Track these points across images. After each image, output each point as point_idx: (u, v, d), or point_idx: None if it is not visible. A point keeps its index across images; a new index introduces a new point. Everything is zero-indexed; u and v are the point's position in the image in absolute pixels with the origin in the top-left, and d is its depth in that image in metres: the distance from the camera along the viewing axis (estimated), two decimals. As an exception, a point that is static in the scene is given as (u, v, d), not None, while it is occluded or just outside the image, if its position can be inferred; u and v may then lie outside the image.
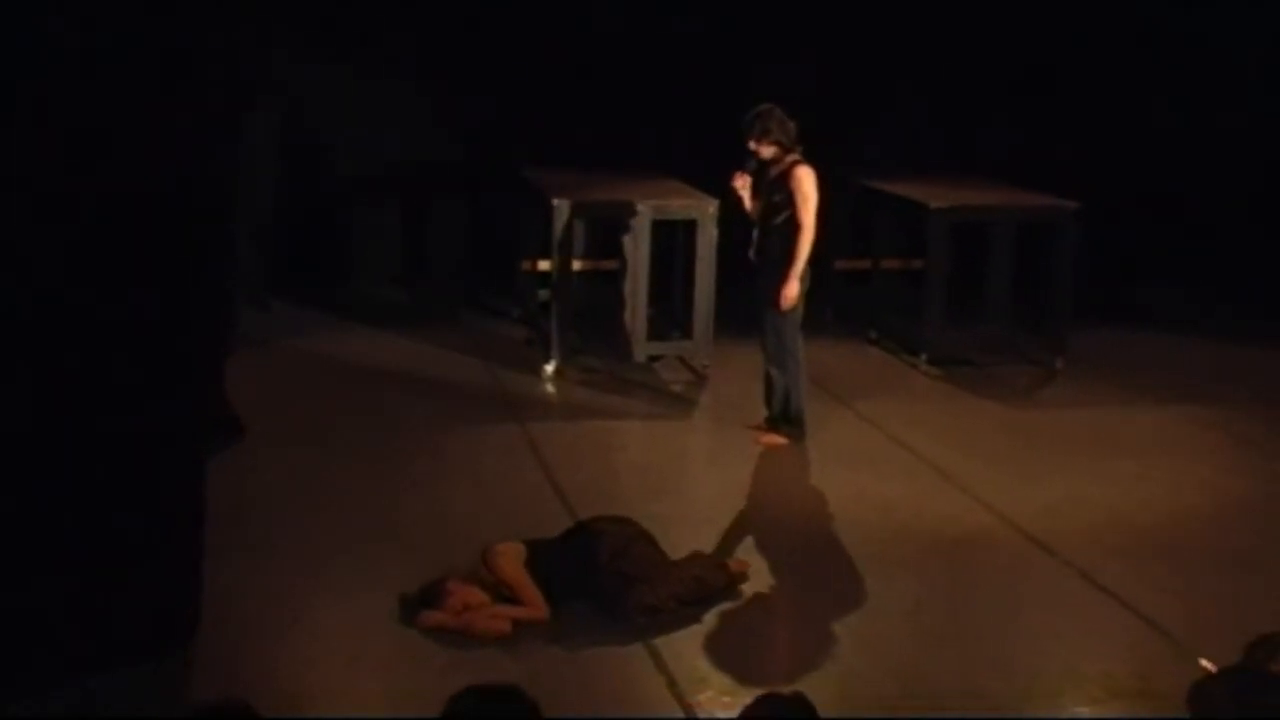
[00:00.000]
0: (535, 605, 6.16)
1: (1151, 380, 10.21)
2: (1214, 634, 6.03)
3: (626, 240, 9.94)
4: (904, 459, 8.52)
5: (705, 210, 9.84)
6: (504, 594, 6.18)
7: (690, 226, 10.03)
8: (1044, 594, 6.70)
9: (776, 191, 8.27)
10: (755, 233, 8.41)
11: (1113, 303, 11.58)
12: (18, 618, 5.29)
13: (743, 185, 8.31)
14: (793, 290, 8.23)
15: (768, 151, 8.23)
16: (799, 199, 8.22)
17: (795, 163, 8.25)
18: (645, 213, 9.86)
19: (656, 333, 10.25)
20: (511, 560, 6.24)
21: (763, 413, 8.68)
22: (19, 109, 5.12)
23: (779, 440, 8.54)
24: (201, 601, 5.82)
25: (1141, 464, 8.46)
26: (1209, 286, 12.05)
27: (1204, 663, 5.61)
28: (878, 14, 11.91)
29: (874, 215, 11.19)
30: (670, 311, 10.73)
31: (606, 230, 10.52)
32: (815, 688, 4.51)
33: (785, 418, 8.54)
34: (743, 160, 8.30)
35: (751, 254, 8.42)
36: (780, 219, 8.25)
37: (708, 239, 9.81)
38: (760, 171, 8.34)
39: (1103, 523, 7.53)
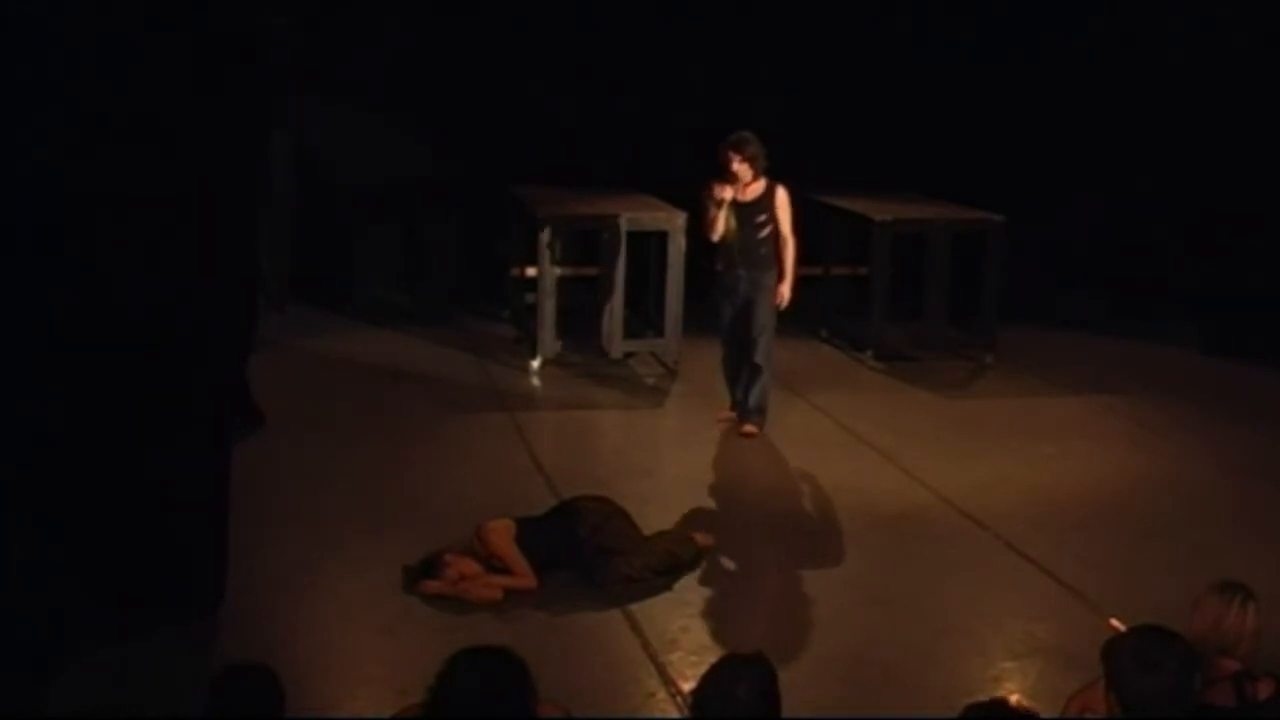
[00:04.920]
0: (524, 575, 6.17)
1: (1069, 373, 10.26)
2: (1124, 597, 6.10)
3: (605, 249, 9.94)
4: (851, 443, 8.55)
5: (675, 222, 9.84)
6: (496, 565, 6.19)
7: (662, 237, 10.03)
8: (975, 562, 6.74)
9: (760, 211, 8.25)
10: (735, 246, 8.27)
11: (1035, 305, 11.62)
12: (62, 588, 5.30)
13: (730, 194, 8.18)
14: (789, 291, 8.29)
15: (747, 173, 8.19)
16: (783, 215, 8.28)
17: (776, 183, 8.29)
18: (621, 224, 9.87)
19: (631, 331, 10.23)
20: (502, 535, 6.24)
21: (727, 402, 8.67)
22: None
23: (756, 430, 8.48)
24: (227, 571, 5.83)
25: (1060, 447, 8.52)
26: (1116, 290, 12.09)
27: (1114, 622, 5.66)
28: (830, 49, 11.95)
29: (824, 227, 11.22)
30: (644, 312, 10.73)
31: (587, 240, 10.52)
32: (774, 647, 4.53)
33: (759, 408, 8.51)
34: (719, 175, 8.18)
35: (739, 268, 8.29)
36: (766, 233, 8.26)
37: (678, 248, 9.81)
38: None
39: (1027, 499, 7.58)
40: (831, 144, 11.72)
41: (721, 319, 8.54)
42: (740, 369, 8.57)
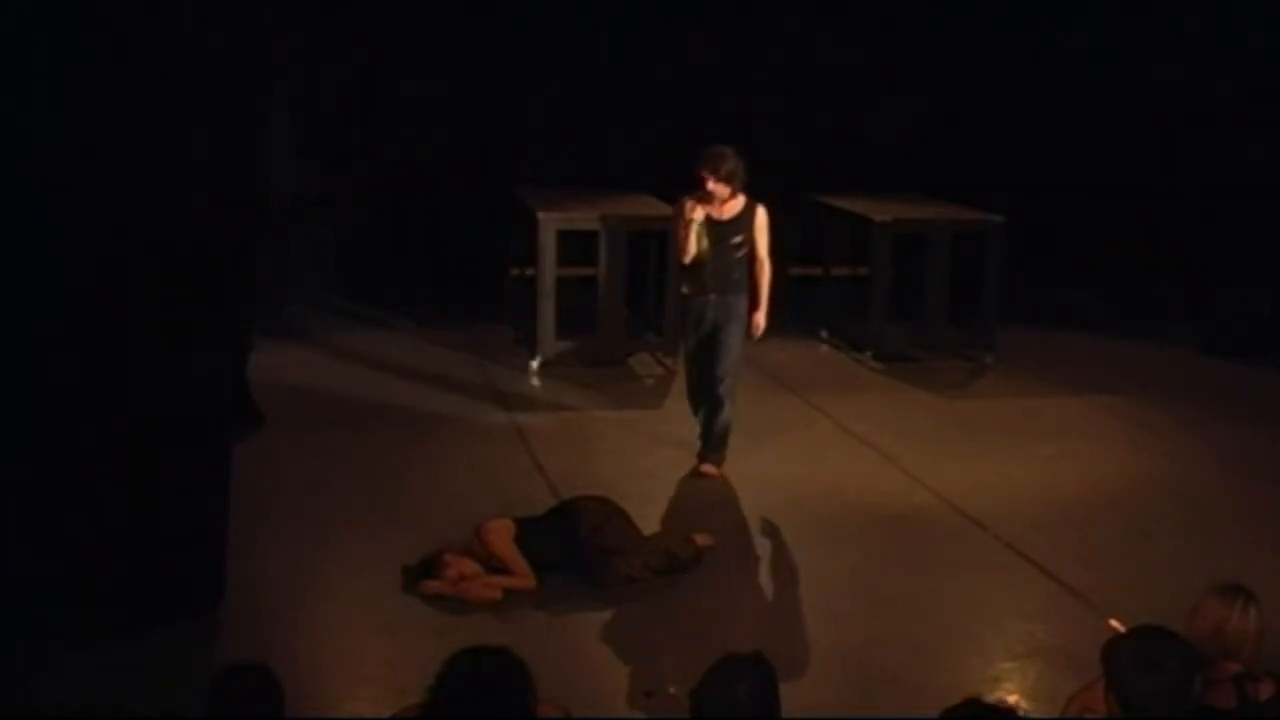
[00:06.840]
0: (523, 575, 6.18)
1: (1068, 373, 10.27)
2: (1124, 597, 6.10)
3: (604, 249, 9.94)
4: (850, 444, 8.55)
5: (675, 223, 9.83)
6: (495, 565, 6.19)
7: (662, 237, 10.02)
8: (974, 563, 6.74)
9: (737, 231, 7.60)
10: (707, 268, 7.55)
11: (1035, 305, 11.63)
12: (60, 585, 5.30)
13: (701, 215, 7.53)
14: (764, 320, 7.71)
15: (724, 190, 7.48)
16: (761, 237, 7.64)
17: (757, 202, 7.64)
18: (620, 225, 9.87)
19: (631, 331, 10.24)
20: (502, 535, 6.25)
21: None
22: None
23: (716, 470, 7.80)
24: (226, 570, 5.82)
25: (1060, 447, 8.52)
26: (1116, 291, 12.10)
27: (1114, 622, 5.67)
28: (829, 49, 11.96)
29: (824, 227, 11.21)
30: (644, 312, 10.74)
31: (586, 240, 10.52)
32: (774, 647, 4.52)
33: (720, 442, 7.78)
34: (693, 189, 7.58)
35: (710, 292, 7.58)
36: (741, 255, 7.62)
37: (677, 248, 9.80)
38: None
39: (1026, 499, 7.58)
40: (831, 144, 11.72)
41: (687, 347, 7.82)
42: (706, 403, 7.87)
